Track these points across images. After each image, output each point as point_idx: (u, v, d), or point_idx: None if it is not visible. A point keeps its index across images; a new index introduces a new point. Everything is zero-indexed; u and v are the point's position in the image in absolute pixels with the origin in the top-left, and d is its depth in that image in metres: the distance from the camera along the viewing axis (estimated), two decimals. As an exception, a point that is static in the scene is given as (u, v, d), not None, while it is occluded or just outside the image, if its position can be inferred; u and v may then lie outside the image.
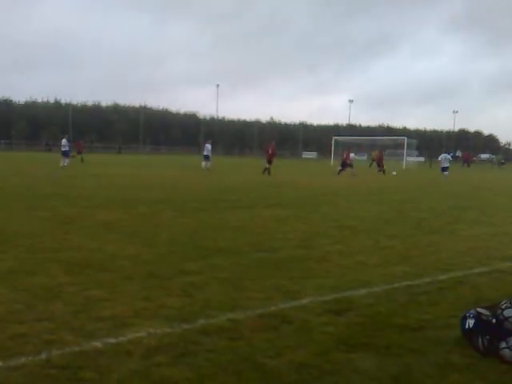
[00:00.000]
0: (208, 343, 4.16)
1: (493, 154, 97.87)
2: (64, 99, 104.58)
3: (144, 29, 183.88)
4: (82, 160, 37.63)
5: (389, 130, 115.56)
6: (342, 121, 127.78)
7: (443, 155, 33.45)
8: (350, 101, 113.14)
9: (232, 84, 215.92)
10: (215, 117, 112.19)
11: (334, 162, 58.70)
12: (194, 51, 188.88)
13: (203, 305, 5.12)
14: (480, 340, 4.21)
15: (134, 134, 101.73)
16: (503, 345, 4.06)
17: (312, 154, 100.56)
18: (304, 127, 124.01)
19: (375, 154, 43.32)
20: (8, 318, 4.56)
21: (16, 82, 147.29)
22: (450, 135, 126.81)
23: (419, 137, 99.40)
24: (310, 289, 5.85)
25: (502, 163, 69.53)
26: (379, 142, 62.60)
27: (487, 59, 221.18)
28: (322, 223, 11.24)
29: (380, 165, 37.72)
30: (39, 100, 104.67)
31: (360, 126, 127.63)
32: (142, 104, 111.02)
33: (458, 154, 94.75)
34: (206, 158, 33.19)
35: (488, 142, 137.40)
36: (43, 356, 3.79)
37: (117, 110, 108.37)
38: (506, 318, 4.20)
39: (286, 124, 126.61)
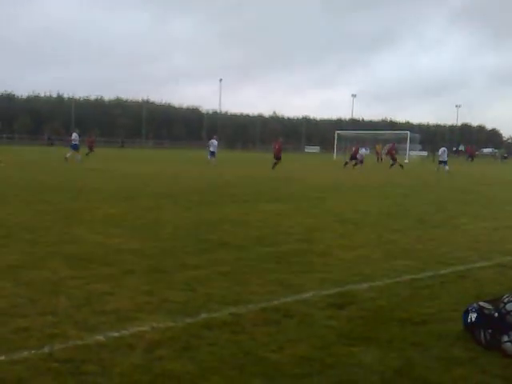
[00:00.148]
0: (210, 337, 4.17)
1: (495, 149, 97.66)
2: (66, 94, 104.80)
3: (147, 23, 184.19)
4: (88, 153, 37.76)
5: (392, 125, 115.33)
6: (345, 115, 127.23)
7: (443, 148, 33.58)
8: (353, 95, 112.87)
9: (235, 78, 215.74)
10: (218, 111, 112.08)
11: (336, 156, 58.70)
12: (196, 45, 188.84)
13: (206, 299, 5.13)
14: (482, 334, 4.20)
15: (137, 128, 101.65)
16: (505, 338, 4.06)
17: (315, 149, 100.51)
18: (307, 121, 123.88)
19: (379, 147, 43.32)
20: (11, 312, 4.57)
21: (18, 76, 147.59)
22: (452, 129, 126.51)
23: (422, 131, 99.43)
24: (312, 283, 5.85)
25: (505, 157, 69.40)
26: (382, 137, 62.48)
27: (490, 53, 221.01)
28: (324, 217, 11.24)
29: (393, 158, 37.38)
30: (42, 94, 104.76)
31: (363, 120, 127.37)
32: (145, 98, 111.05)
33: (461, 148, 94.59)
34: (212, 154, 33.06)
35: (491, 137, 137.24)
36: (46, 350, 3.80)
37: (119, 105, 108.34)
38: (509, 312, 4.20)
39: (288, 118, 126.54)
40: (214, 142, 33.68)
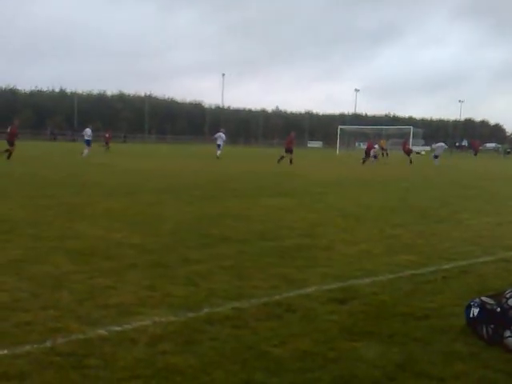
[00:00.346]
0: (212, 331, 4.17)
1: (499, 144, 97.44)
2: (69, 88, 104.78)
3: (149, 18, 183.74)
4: (106, 149, 38.71)
5: (395, 120, 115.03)
6: (348, 110, 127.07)
7: (441, 144, 34.70)
8: (356, 90, 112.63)
9: (238, 73, 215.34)
10: (220, 106, 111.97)
11: (339, 151, 58.64)
12: (199, 40, 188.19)
13: (208, 293, 5.13)
14: (484, 329, 4.20)
15: (140, 123, 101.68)
16: (508, 333, 4.06)
17: (317, 144, 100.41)
18: (310, 116, 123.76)
19: (383, 143, 43.33)
20: (13, 306, 4.58)
21: (21, 70, 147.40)
22: (456, 124, 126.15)
23: (425, 126, 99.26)
24: (315, 277, 5.85)
25: (508, 152, 69.20)
26: (385, 132, 62.38)
27: (494, 48, 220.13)
28: (327, 212, 11.24)
29: (408, 153, 37.65)
30: (44, 89, 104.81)
31: (366, 115, 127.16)
32: (148, 93, 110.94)
33: (464, 143, 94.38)
34: (219, 147, 33.47)
35: (494, 132, 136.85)
36: (48, 344, 3.81)
37: (122, 99, 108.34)
38: (511, 307, 4.19)
39: (291, 113, 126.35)
40: (222, 135, 33.88)
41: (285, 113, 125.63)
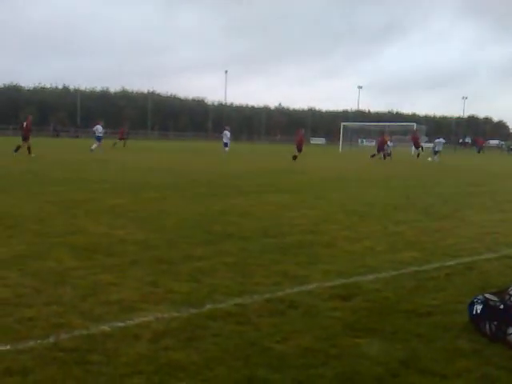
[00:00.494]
0: (215, 328, 4.17)
1: (502, 141, 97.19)
2: (72, 85, 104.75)
3: (153, 14, 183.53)
4: (114, 144, 39.05)
5: (398, 116, 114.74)
6: (351, 107, 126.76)
7: (440, 139, 35.64)
8: (359, 87, 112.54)
9: (240, 70, 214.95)
10: (223, 103, 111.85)
11: (342, 147, 58.55)
12: (202, 37, 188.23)
13: (210, 290, 5.13)
14: (488, 326, 4.20)
15: (143, 120, 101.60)
16: (511, 330, 4.05)
17: (320, 140, 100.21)
18: (312, 113, 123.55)
19: (387, 139, 43.26)
20: (16, 302, 4.59)
21: (25, 67, 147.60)
22: (459, 121, 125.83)
23: (429, 123, 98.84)
24: (317, 274, 5.84)
25: (511, 149, 69.00)
26: (388, 128, 62.23)
27: (497, 45, 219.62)
28: (329, 209, 11.22)
29: (417, 146, 38.01)
30: (48, 86, 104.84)
31: (369, 112, 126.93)
32: (151, 90, 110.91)
33: (468, 140, 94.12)
34: (226, 144, 34.20)
35: (497, 128, 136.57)
36: (51, 339, 3.81)
37: (125, 96, 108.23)
38: (514, 304, 4.18)
39: (294, 110, 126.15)
40: (227, 132, 34.30)
41: (288, 109, 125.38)
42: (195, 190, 13.63)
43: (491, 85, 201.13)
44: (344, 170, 24.47)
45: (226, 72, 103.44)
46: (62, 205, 10.34)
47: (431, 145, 38.03)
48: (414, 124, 58.61)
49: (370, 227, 9.06)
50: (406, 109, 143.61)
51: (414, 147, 39.30)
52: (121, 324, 4.16)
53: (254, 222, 9.08)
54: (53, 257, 6.17)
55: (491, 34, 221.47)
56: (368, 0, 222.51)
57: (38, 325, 4.08)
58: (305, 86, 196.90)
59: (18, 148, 25.41)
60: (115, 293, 4.94)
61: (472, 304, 4.46)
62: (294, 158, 29.14)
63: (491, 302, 4.34)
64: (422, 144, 39.76)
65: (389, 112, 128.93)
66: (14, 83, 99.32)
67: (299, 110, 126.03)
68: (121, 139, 40.79)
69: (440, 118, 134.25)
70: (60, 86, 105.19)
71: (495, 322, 4.15)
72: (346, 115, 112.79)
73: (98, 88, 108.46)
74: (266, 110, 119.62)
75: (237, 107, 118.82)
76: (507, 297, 4.27)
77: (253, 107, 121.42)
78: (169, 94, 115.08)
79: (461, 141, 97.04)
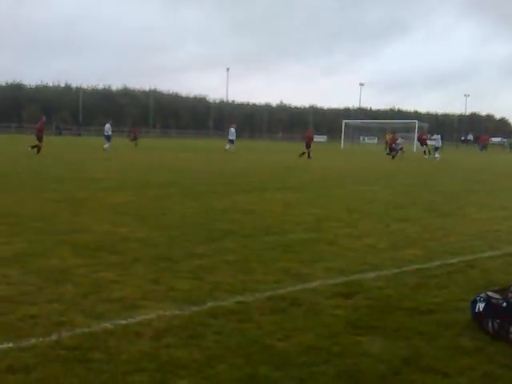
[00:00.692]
0: (217, 325, 4.17)
1: (504, 138, 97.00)
2: (74, 83, 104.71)
3: (154, 12, 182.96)
4: (136, 144, 39.42)
5: (400, 114, 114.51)
6: (353, 104, 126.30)
7: (439, 136, 37.14)
8: (361, 84, 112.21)
9: (242, 67, 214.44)
10: (225, 100, 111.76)
11: (344, 145, 58.51)
12: (204, 35, 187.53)
13: (212, 287, 5.13)
14: (490, 323, 4.19)
15: (144, 117, 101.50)
16: (513, 328, 4.04)
17: (322, 138, 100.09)
18: (314, 111, 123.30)
19: (388, 137, 43.20)
20: (19, 300, 4.60)
21: (27, 66, 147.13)
22: (461, 119, 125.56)
23: (430, 120, 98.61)
24: (319, 272, 5.84)
25: (514, 147, 68.86)
26: (390, 126, 62.15)
27: (499, 43, 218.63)
28: (332, 206, 11.22)
29: (423, 144, 38.15)
30: (50, 84, 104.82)
31: (371, 109, 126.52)
32: (152, 88, 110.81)
33: (470, 137, 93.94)
34: (231, 141, 34.80)
35: (500, 126, 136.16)
36: (53, 337, 3.82)
37: (127, 94, 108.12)
38: (517, 302, 4.17)
39: (296, 107, 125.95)
40: (232, 130, 34.77)
41: (289, 107, 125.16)
42: (197, 188, 13.63)
43: (494, 82, 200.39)
44: (346, 168, 24.44)
45: (228, 70, 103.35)
46: (64, 203, 10.34)
47: (433, 142, 37.99)
48: (416, 121, 58.58)
49: (372, 225, 9.06)
50: (408, 106, 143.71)
51: (421, 144, 39.51)
52: (122, 322, 4.17)
53: (256, 220, 9.07)
54: (55, 255, 6.18)
55: (494, 31, 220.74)
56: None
57: (40, 322, 4.08)
58: (306, 83, 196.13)
59: (37, 148, 25.44)
60: (117, 290, 4.94)
61: (474, 302, 4.46)
62: (303, 154, 29.70)
63: (494, 300, 4.34)
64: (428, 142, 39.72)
65: (390, 109, 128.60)
66: (17, 81, 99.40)
67: (301, 108, 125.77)
68: (135, 139, 41.58)
69: (442, 115, 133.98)
70: (62, 85, 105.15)
71: (498, 320, 4.15)
72: (347, 113, 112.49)
73: (100, 86, 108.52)
74: (267, 108, 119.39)
75: (238, 105, 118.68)
76: (510, 295, 4.27)
77: (254, 105, 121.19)
78: (170, 91, 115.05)
79: (463, 138, 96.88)
